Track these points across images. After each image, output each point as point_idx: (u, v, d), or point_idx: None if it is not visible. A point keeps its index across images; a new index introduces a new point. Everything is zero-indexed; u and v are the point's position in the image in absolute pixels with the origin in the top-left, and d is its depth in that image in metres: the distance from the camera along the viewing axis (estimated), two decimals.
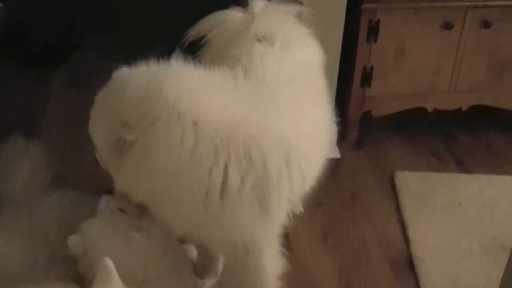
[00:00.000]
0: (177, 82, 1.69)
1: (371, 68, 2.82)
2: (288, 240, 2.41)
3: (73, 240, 1.89)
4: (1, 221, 2.04)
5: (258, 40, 2.01)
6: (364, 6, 2.67)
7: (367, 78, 2.84)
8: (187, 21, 2.19)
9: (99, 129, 1.74)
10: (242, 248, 1.88)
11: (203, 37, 2.14)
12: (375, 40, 2.75)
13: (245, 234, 1.83)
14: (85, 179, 2.32)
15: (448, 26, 2.76)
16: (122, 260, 1.80)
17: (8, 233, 1.98)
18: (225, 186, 1.66)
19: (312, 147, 1.88)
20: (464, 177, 2.81)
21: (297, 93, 1.90)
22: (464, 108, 3.01)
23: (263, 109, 1.74)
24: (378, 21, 2.70)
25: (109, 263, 1.59)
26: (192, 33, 2.14)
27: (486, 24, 2.79)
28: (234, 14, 2.12)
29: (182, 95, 1.64)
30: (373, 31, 2.73)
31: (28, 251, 1.92)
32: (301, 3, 2.17)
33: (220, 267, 2.20)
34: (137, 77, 1.73)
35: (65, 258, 1.95)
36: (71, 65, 3.43)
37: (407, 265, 2.36)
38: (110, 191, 1.98)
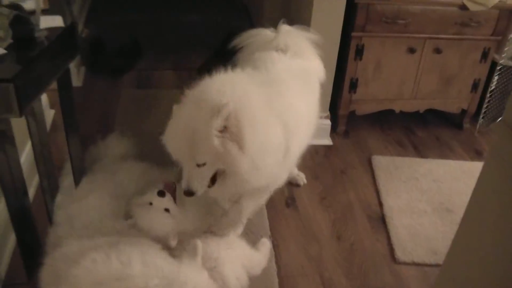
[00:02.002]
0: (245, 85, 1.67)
1: (357, 79, 2.81)
2: (295, 202, 2.43)
3: (128, 222, 1.88)
4: (95, 181, 2.05)
5: (276, 50, 2.06)
6: (353, 33, 2.67)
7: (353, 86, 2.83)
8: (219, 38, 2.21)
9: (208, 135, 1.50)
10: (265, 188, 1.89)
11: (239, 46, 2.18)
12: (360, 59, 2.75)
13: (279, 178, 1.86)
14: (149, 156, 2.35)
15: (412, 50, 2.76)
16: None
17: (99, 189, 2.00)
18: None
19: (306, 125, 1.92)
20: (420, 160, 2.81)
21: (299, 87, 1.92)
22: (421, 111, 3.02)
23: (283, 93, 1.79)
24: (363, 45, 2.70)
25: (199, 244, 1.59)
26: (235, 43, 2.18)
27: (438, 50, 2.79)
28: (266, 32, 2.16)
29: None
30: (359, 52, 2.72)
31: (114, 202, 1.94)
32: (314, 33, 2.17)
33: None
34: (216, 87, 1.60)
35: None
36: (135, 71, 3.45)
37: (380, 220, 2.37)
38: (162, 192, 1.87)
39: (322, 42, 2.47)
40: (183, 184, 1.61)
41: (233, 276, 1.80)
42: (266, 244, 2.10)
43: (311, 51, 2.15)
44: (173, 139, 1.57)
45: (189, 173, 1.58)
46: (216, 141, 1.50)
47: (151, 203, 1.86)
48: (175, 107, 1.60)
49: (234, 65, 2.01)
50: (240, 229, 2.17)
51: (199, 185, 1.60)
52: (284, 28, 2.13)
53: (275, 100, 1.73)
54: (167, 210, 1.85)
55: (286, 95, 1.81)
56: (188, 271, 1.55)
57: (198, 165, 1.56)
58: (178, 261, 1.61)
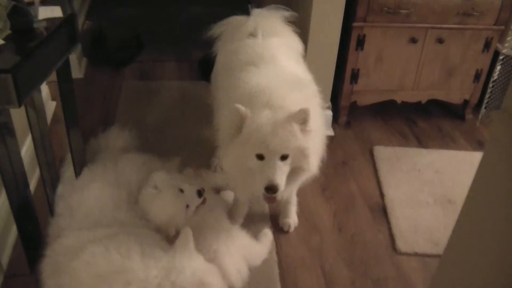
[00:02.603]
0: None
1: (358, 69, 2.79)
2: (296, 193, 2.41)
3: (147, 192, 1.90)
4: (96, 172, 2.04)
5: (248, 35, 2.09)
6: (354, 24, 2.64)
7: (354, 77, 2.81)
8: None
9: (293, 131, 1.61)
10: None
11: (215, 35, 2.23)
12: (362, 49, 2.72)
13: None
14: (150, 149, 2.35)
15: (414, 40, 2.73)
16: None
17: (100, 179, 1.99)
18: None
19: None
20: (422, 151, 2.79)
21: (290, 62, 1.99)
22: (423, 102, 3.00)
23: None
24: (364, 35, 2.67)
25: (189, 231, 1.60)
26: (213, 31, 2.21)
27: (440, 40, 2.76)
28: (239, 18, 2.17)
29: None
30: (360, 43, 2.70)
31: (115, 192, 1.93)
32: (288, 10, 2.18)
33: (245, 210, 2.20)
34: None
35: None
36: (136, 63, 3.44)
37: (382, 212, 2.36)
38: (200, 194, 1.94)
39: (322, 32, 2.46)
40: (267, 180, 1.61)
41: (233, 267, 1.80)
42: (268, 235, 2.10)
43: (284, 28, 2.16)
44: (257, 136, 1.61)
45: (273, 167, 1.61)
46: (300, 136, 1.62)
47: (182, 190, 1.87)
48: (247, 115, 1.63)
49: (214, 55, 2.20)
50: (240, 219, 2.17)
51: (282, 180, 1.63)
52: (256, 11, 2.15)
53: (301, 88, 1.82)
54: (187, 206, 1.86)
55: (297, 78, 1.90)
56: (183, 258, 1.55)
57: (283, 157, 1.62)
58: (172, 250, 1.61)
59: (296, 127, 1.62)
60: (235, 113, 1.63)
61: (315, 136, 1.72)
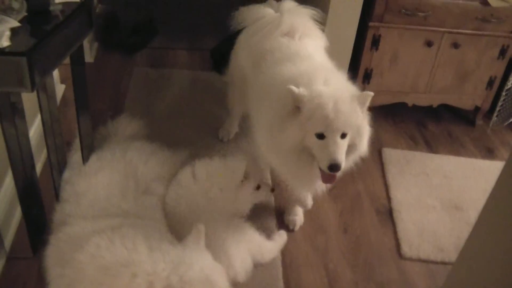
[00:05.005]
0: None
1: (371, 69, 2.76)
2: None
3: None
4: (105, 159, 2.02)
5: (283, 35, 2.05)
6: (371, 23, 2.61)
7: (367, 77, 2.78)
8: (227, 19, 2.20)
9: (355, 111, 1.66)
10: None
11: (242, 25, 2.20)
12: (376, 49, 2.69)
13: None
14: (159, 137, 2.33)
15: (429, 44, 2.70)
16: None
17: (108, 167, 1.96)
18: None
19: None
20: (431, 156, 2.76)
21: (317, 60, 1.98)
22: (435, 105, 2.96)
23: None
24: (380, 35, 2.64)
25: (202, 227, 1.58)
26: (237, 20, 2.17)
27: (456, 45, 2.73)
28: (268, 12, 2.13)
29: None
30: (376, 42, 2.67)
31: (123, 181, 1.91)
32: (315, 9, 2.16)
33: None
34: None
35: (148, 189, 1.95)
36: (148, 49, 3.40)
37: (388, 214, 2.34)
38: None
39: (338, 31, 2.43)
40: (330, 158, 1.61)
41: (239, 257, 1.79)
42: (282, 236, 2.08)
43: (315, 29, 2.14)
44: (321, 113, 1.61)
45: (335, 146, 1.62)
46: (360, 115, 1.67)
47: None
48: (304, 95, 1.64)
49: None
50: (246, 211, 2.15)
51: (343, 158, 1.64)
52: (287, 5, 2.11)
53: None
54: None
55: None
56: (193, 253, 1.53)
57: (342, 135, 1.64)
58: (182, 244, 1.59)
59: (357, 107, 1.65)
60: (289, 95, 1.63)
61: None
